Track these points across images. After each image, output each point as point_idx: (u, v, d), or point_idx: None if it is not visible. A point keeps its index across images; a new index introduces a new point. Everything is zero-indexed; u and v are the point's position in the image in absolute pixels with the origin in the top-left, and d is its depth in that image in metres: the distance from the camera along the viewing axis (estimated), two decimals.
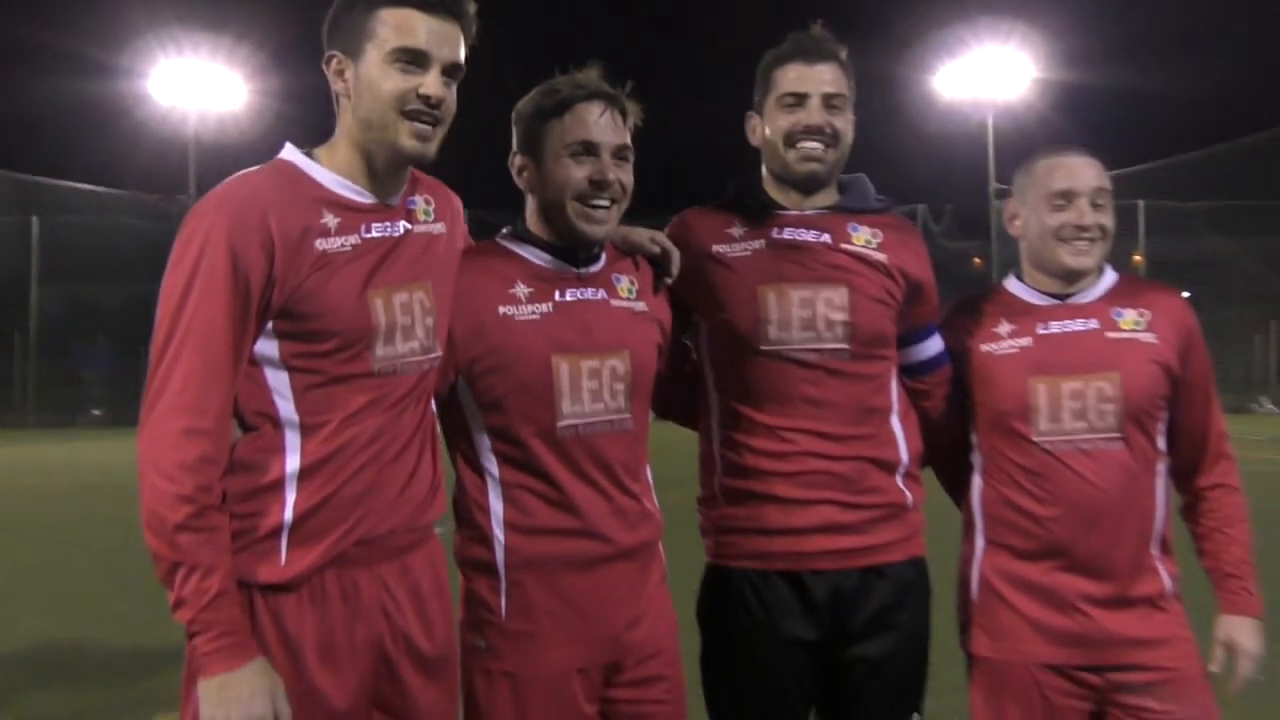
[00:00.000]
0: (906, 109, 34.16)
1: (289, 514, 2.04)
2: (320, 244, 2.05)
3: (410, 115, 2.10)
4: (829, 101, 2.55)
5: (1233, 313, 28.99)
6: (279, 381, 2.05)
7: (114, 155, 34.12)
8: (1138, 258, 28.12)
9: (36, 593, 7.88)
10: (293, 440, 2.05)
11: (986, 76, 31.73)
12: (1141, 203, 27.82)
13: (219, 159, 32.99)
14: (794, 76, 2.56)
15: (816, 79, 2.55)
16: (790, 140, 2.55)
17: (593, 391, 2.34)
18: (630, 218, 2.50)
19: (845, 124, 2.59)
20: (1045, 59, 32.32)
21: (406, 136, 2.10)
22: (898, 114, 34.34)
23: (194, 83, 30.50)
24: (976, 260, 32.01)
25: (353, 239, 2.09)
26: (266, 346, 2.04)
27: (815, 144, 2.54)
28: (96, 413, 27.44)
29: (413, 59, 2.09)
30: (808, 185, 2.60)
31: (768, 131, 2.60)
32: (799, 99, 2.55)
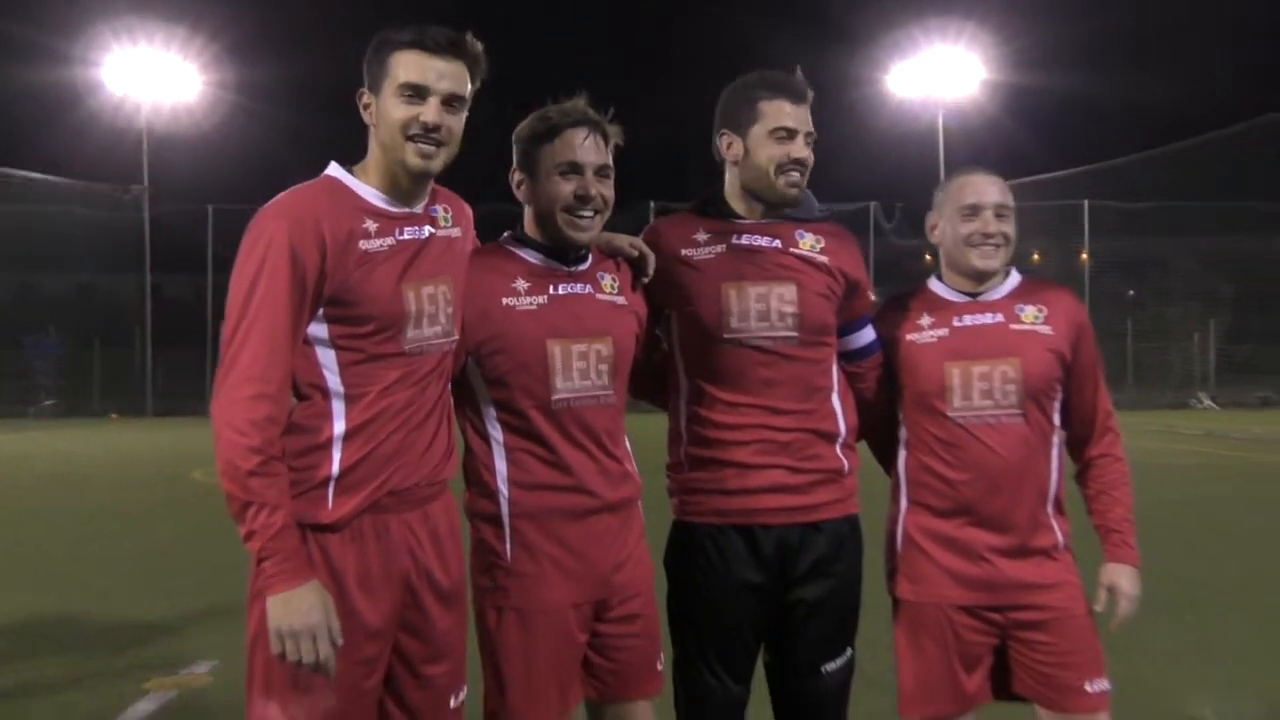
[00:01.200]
0: (860, 107, 34.67)
1: (336, 468, 2.43)
2: (363, 245, 2.45)
3: (413, 138, 2.48)
4: (807, 139, 2.96)
5: (1174, 310, 29.65)
6: (328, 358, 2.45)
7: (66, 144, 33.66)
8: (1084, 256, 28.73)
9: (17, 572, 8.01)
10: (339, 408, 2.44)
11: (937, 76, 32.18)
12: (1086, 203, 28.32)
13: (172, 150, 32.69)
14: (783, 113, 2.92)
15: (800, 117, 2.95)
16: (780, 169, 2.93)
17: (581, 370, 2.72)
18: (628, 219, 2.89)
19: (812, 157, 2.99)
20: (994, 61, 32.90)
21: (411, 156, 2.49)
22: (852, 112, 34.88)
23: (148, 73, 30.18)
24: (927, 257, 32.43)
25: (389, 241, 2.49)
26: (318, 329, 2.43)
27: (797, 173, 2.95)
28: (49, 403, 27.23)
29: (415, 92, 2.47)
30: (789, 204, 3.00)
31: (756, 158, 2.95)
32: (790, 134, 2.93)
